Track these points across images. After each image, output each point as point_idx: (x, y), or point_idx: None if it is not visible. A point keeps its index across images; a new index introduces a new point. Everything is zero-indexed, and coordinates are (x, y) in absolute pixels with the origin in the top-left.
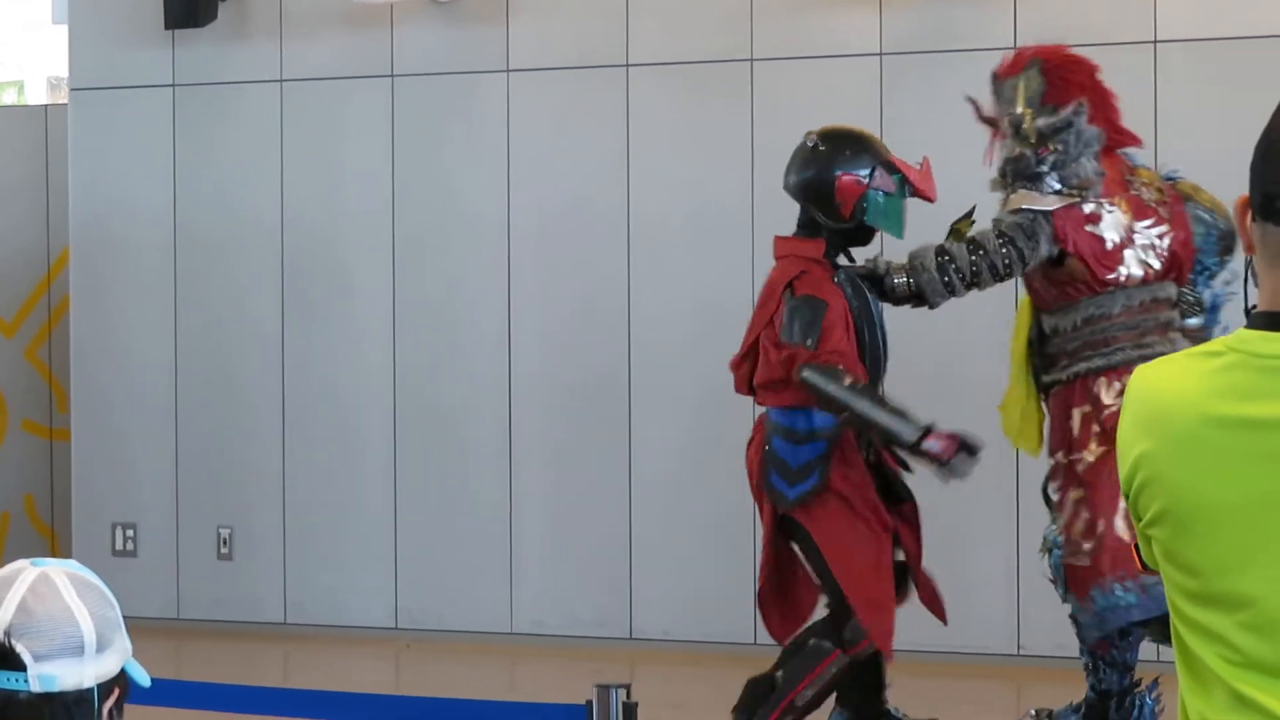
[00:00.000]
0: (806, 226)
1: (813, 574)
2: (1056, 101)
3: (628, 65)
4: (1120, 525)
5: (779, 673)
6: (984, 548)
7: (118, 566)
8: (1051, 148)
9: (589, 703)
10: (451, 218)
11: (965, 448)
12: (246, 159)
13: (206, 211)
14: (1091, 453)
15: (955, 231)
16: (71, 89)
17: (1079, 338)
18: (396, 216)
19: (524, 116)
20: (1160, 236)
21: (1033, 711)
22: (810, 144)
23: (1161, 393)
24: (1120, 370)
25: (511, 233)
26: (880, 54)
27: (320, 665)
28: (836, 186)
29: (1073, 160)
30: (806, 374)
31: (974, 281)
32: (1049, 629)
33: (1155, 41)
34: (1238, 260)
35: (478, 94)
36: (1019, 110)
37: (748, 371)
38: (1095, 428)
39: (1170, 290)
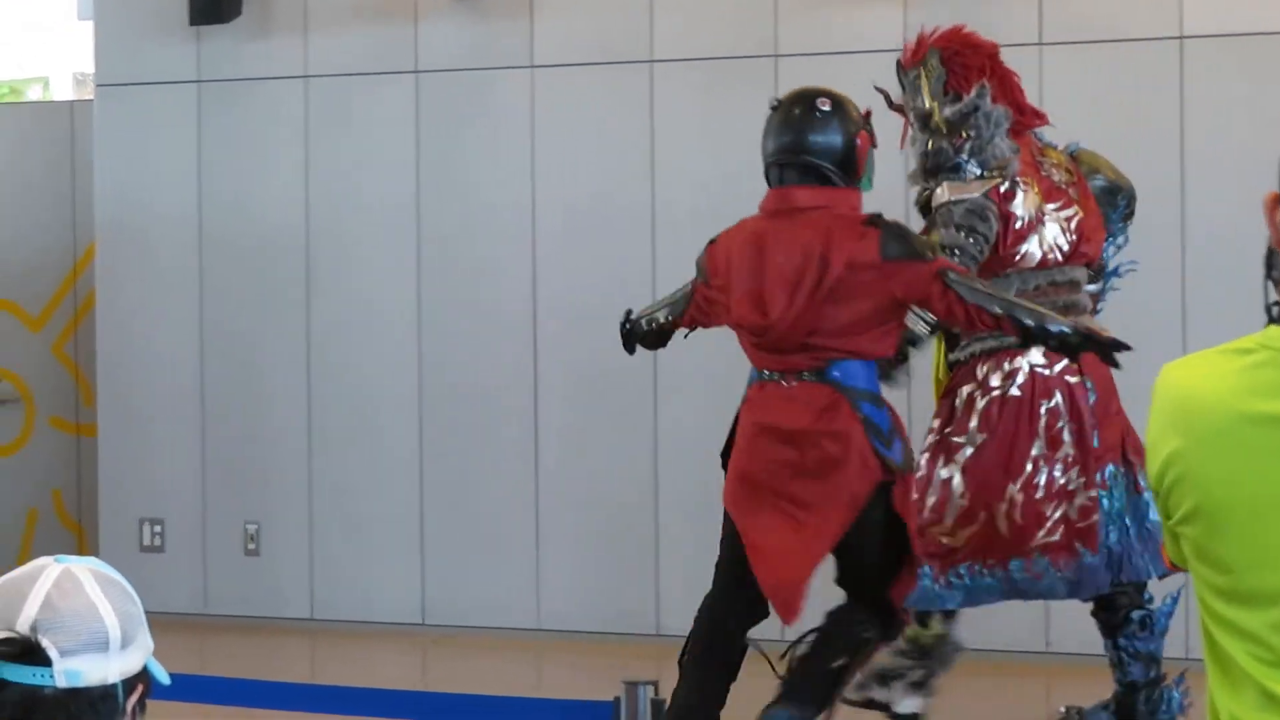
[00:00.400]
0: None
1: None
2: (959, 88)
3: (652, 61)
4: (1003, 517)
5: (835, 663)
6: None
7: (145, 562)
8: (964, 134)
9: (616, 699)
10: (476, 213)
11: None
12: (271, 154)
13: (231, 206)
14: (974, 439)
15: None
16: (97, 85)
17: None
18: (421, 212)
19: (548, 112)
20: (1069, 219)
21: (1063, 709)
22: (826, 108)
23: (1191, 390)
24: (1011, 353)
25: (536, 227)
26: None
27: (346, 660)
28: (857, 146)
29: (987, 142)
30: (973, 286)
31: None
32: (1077, 625)
33: (1181, 37)
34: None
35: (501, 90)
36: (925, 104)
37: (806, 327)
38: (978, 409)
39: (1075, 273)
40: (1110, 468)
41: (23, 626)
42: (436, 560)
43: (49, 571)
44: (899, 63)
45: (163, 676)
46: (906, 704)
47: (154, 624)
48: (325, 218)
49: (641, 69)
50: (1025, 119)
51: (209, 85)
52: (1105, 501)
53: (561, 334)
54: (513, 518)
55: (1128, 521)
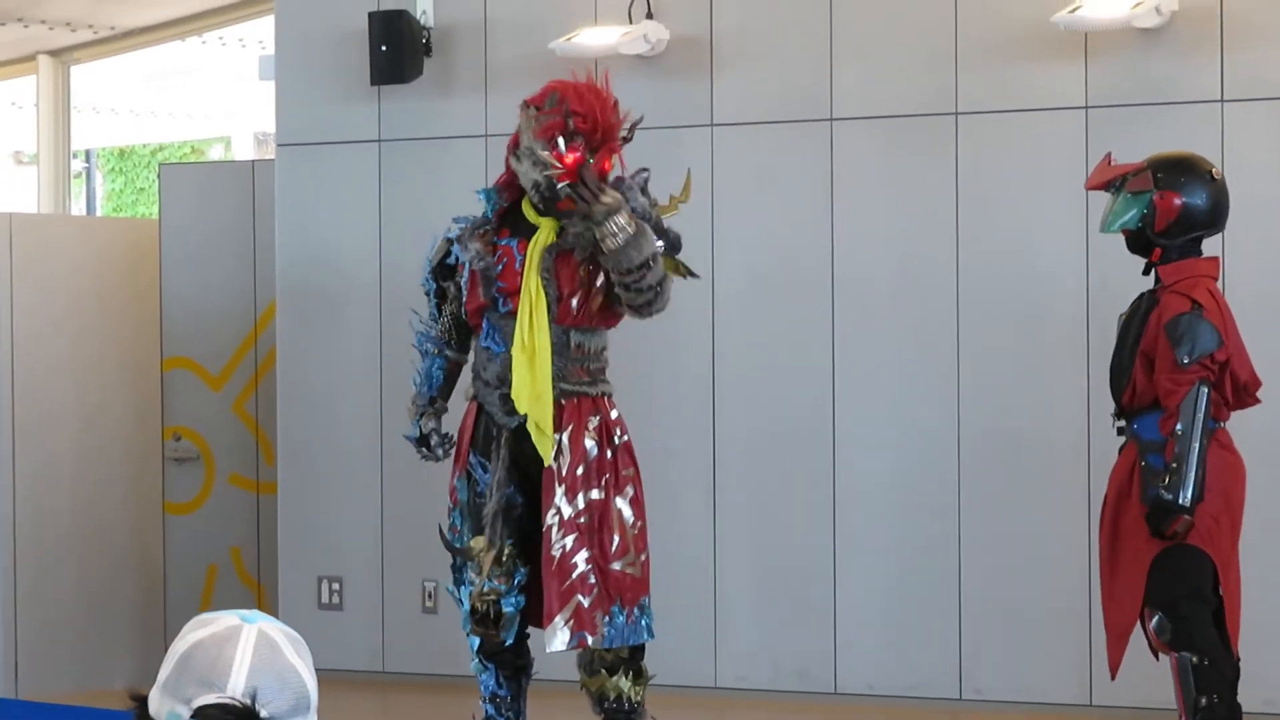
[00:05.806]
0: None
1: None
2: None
3: (831, 119)
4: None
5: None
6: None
7: (324, 619)
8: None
9: None
10: None
11: None
12: (451, 213)
13: (411, 265)
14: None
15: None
16: (278, 144)
17: (602, 361)
18: None
19: (728, 169)
20: None
21: None
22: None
23: None
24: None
25: (716, 290)
26: (1086, 107)
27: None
28: None
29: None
30: None
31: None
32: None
33: None
34: None
35: (682, 147)
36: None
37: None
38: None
39: None
40: None
41: (235, 691)
42: None
43: (246, 633)
44: (618, 137)
45: None
46: None
47: (332, 682)
48: None
49: (821, 127)
50: None
51: (390, 144)
52: None
53: (742, 390)
54: (690, 574)
55: None
